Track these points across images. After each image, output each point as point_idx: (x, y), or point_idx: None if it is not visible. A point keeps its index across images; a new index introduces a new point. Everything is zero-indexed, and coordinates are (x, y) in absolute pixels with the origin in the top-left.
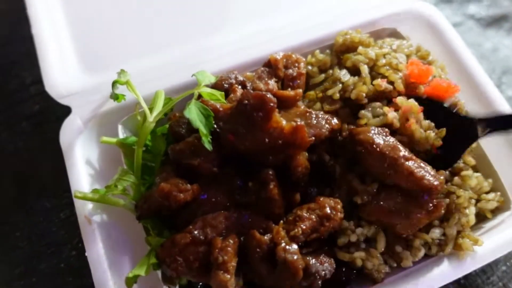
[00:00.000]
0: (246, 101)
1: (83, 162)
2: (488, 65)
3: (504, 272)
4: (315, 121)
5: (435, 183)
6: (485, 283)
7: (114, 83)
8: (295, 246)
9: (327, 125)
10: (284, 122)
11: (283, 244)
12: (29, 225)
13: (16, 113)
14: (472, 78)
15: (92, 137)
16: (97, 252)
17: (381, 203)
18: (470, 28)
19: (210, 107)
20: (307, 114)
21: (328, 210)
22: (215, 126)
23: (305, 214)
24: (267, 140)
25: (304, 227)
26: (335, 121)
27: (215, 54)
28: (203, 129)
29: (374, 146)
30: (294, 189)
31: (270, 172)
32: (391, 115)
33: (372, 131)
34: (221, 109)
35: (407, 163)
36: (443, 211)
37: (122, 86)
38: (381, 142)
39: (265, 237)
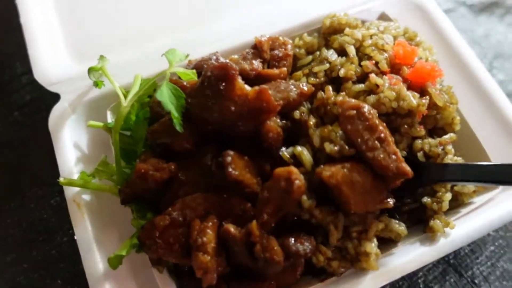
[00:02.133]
0: (210, 73)
1: (71, 145)
2: (479, 50)
3: (493, 252)
4: (283, 87)
5: (409, 169)
6: (474, 263)
7: (89, 70)
8: (272, 242)
9: (295, 89)
10: (248, 88)
11: (259, 244)
12: (21, 212)
13: (9, 103)
14: (462, 61)
15: (81, 122)
16: (86, 235)
17: (348, 171)
18: (462, 15)
19: (178, 84)
20: (277, 84)
21: (283, 183)
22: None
23: (266, 196)
24: (233, 108)
25: (269, 210)
26: (304, 86)
27: (204, 41)
28: (174, 112)
29: (370, 115)
30: (267, 159)
31: (228, 158)
32: (374, 76)
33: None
34: (188, 85)
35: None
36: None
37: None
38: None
39: (240, 232)
